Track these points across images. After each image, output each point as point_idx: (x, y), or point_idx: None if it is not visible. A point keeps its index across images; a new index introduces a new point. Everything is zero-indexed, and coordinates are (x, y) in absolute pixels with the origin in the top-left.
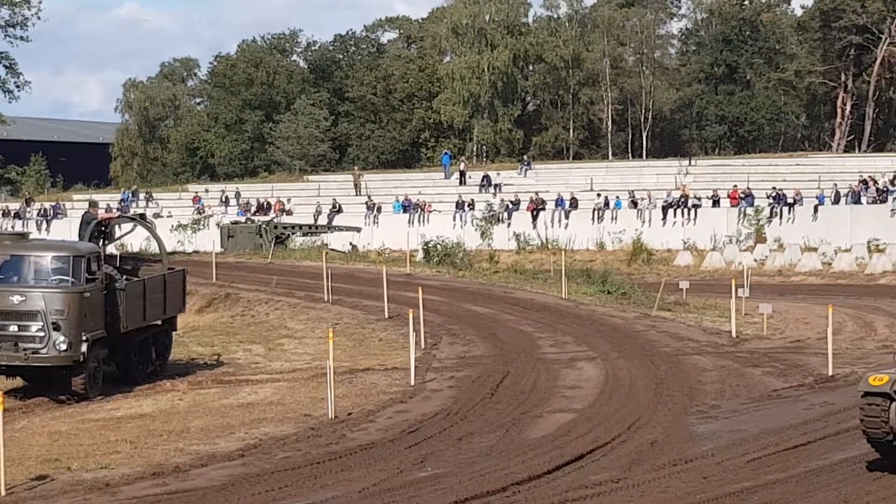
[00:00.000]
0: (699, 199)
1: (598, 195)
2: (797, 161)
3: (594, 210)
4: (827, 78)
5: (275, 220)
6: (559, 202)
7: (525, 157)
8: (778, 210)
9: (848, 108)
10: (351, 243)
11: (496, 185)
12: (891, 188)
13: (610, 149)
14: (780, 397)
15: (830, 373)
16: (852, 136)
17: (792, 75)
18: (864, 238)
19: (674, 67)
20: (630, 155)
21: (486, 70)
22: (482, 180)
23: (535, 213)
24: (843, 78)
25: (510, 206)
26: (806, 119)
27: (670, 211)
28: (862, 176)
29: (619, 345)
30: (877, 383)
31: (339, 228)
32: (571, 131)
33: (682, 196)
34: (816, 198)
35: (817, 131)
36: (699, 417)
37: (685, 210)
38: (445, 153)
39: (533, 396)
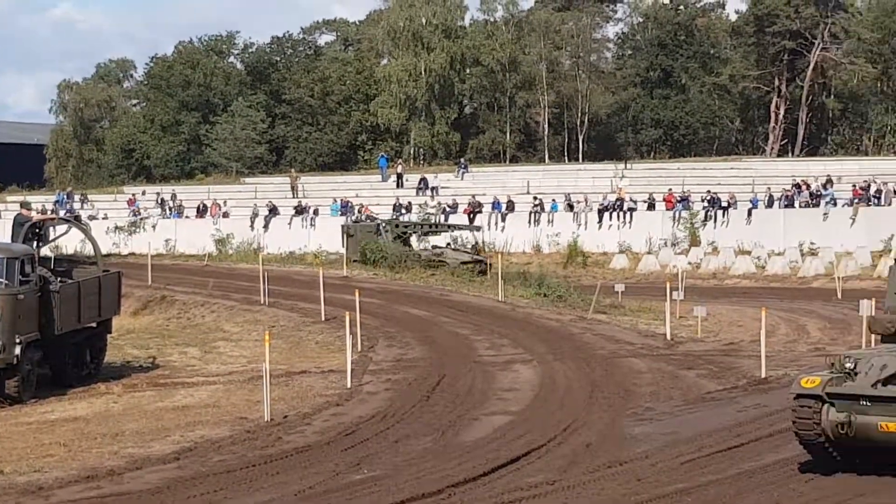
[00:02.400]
0: (635, 202)
1: (535, 198)
2: (731, 165)
3: (531, 213)
4: (761, 83)
5: (396, 220)
6: (496, 205)
7: (462, 159)
8: (712, 213)
9: (781, 112)
10: (476, 243)
11: (433, 188)
12: (823, 192)
13: (546, 152)
14: (713, 399)
15: (763, 375)
16: (786, 141)
17: (726, 80)
18: (797, 241)
19: (610, 71)
20: (566, 158)
21: (422, 73)
22: (419, 183)
23: (471, 215)
24: (776, 83)
25: (447, 208)
26: (740, 123)
27: (606, 214)
28: (795, 180)
29: (555, 347)
30: (809, 385)
31: (460, 227)
32: (508, 134)
33: (617, 199)
34: (750, 201)
35: (751, 135)
36: (634, 419)
37: (621, 213)
38: (382, 156)
39: (469, 399)
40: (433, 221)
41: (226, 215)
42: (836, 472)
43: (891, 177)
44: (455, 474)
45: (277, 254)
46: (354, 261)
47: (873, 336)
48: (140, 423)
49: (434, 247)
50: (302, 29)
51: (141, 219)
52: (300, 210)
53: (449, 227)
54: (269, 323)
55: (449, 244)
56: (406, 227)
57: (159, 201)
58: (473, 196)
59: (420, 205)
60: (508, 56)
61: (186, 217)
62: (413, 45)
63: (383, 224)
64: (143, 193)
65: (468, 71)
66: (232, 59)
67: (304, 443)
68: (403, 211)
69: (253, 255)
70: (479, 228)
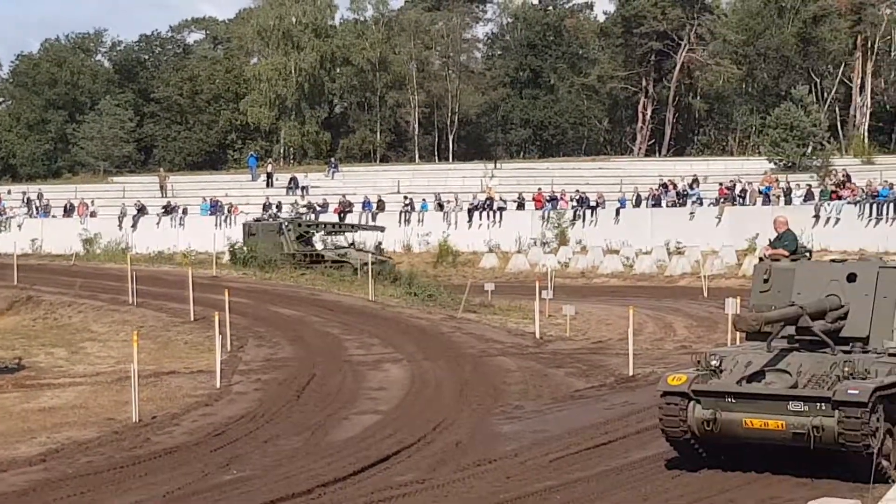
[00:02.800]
0: (504, 201)
1: (405, 198)
2: (600, 165)
3: (401, 212)
4: (628, 83)
5: (299, 219)
6: (366, 204)
7: (332, 159)
8: (581, 213)
9: (649, 113)
10: (379, 244)
11: (303, 188)
12: (690, 192)
13: (417, 151)
14: (582, 397)
15: (631, 373)
16: (653, 141)
17: (595, 80)
18: (664, 240)
19: (479, 71)
20: (437, 158)
21: (292, 72)
22: (289, 182)
23: (342, 215)
24: (644, 83)
25: (317, 208)
26: (608, 123)
27: (476, 213)
28: (662, 180)
29: (425, 346)
30: (675, 383)
31: (364, 227)
32: (378, 134)
33: (487, 199)
34: (618, 201)
35: (619, 136)
36: (503, 418)
37: (490, 213)
38: (252, 155)
39: (339, 398)
40: (336, 221)
41: (93, 215)
42: (702, 468)
43: (755, 177)
44: (324, 474)
45: (146, 254)
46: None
47: (738, 334)
48: (5, 424)
49: (337, 247)
50: (171, 27)
51: (6, 218)
52: (169, 209)
53: (352, 227)
54: (137, 323)
55: (352, 244)
56: (309, 226)
57: (25, 200)
58: (344, 196)
59: (291, 204)
60: (378, 55)
61: (53, 216)
62: (283, 44)
63: (286, 223)
64: (9, 192)
65: (338, 70)
66: (100, 57)
67: (172, 443)
68: (274, 209)
69: (121, 254)
70: (383, 229)
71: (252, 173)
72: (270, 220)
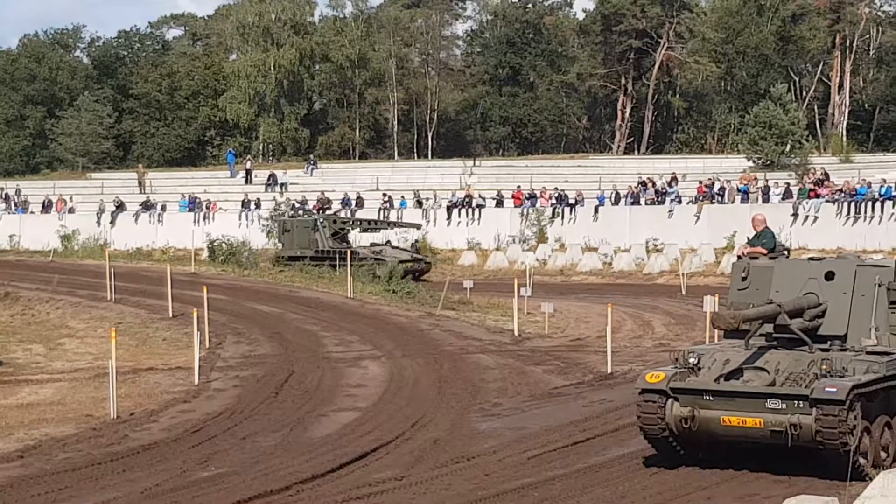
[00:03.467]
0: (483, 199)
1: (384, 195)
2: (579, 162)
3: (380, 210)
4: (608, 81)
5: (334, 215)
6: (345, 201)
7: (311, 156)
8: (560, 211)
9: (628, 110)
10: (416, 241)
11: (282, 185)
12: (668, 190)
13: (396, 149)
14: (560, 395)
15: (609, 370)
16: (632, 139)
17: (574, 78)
18: (642, 238)
19: (459, 69)
20: (416, 155)
21: (272, 69)
22: (268, 179)
23: (321, 211)
24: (623, 81)
25: (296, 205)
26: (587, 121)
27: (455, 211)
28: (641, 178)
29: (404, 343)
30: (653, 381)
31: (400, 224)
32: (357, 131)
33: (466, 196)
34: (597, 199)
35: (598, 133)
36: (482, 415)
37: (469, 210)
38: (230, 151)
39: (317, 395)
40: (374, 218)
41: (72, 211)
42: (680, 465)
43: (734, 175)
44: (303, 471)
45: (124, 250)
46: (290, 257)
47: (716, 331)
48: None
49: (372, 244)
50: (149, 23)
51: None
52: (147, 206)
53: (388, 224)
54: (115, 320)
55: (388, 242)
56: (344, 222)
57: (3, 196)
58: (322, 192)
59: (272, 200)
60: (358, 52)
61: (31, 212)
62: (262, 41)
63: (321, 219)
64: None
65: (317, 67)
66: (78, 52)
67: (150, 440)
68: (253, 206)
69: (99, 251)
70: (419, 227)
71: (231, 170)
72: (305, 216)
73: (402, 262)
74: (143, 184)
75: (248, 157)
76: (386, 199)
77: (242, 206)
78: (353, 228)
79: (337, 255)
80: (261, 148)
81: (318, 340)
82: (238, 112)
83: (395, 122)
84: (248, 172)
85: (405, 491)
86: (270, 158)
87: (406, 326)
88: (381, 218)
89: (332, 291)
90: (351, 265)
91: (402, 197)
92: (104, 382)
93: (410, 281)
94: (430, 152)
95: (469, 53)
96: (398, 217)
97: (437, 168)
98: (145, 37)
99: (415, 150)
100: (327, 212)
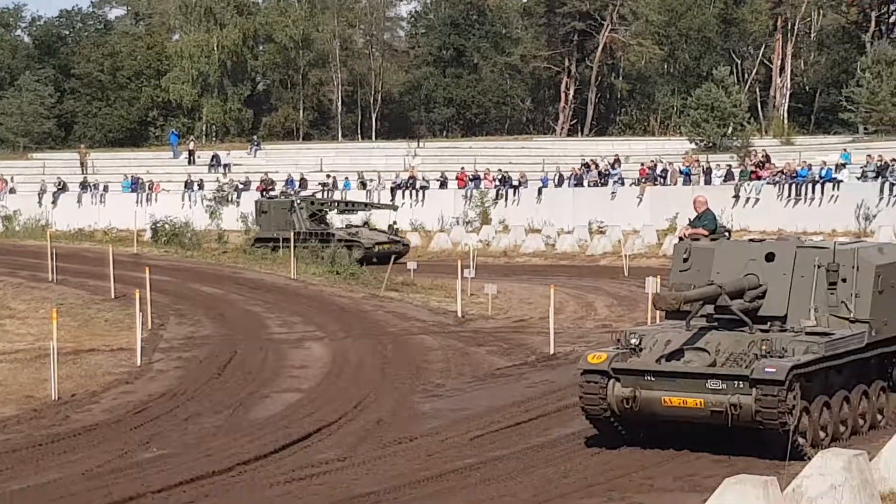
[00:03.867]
0: (427, 180)
1: (328, 176)
2: (522, 144)
3: (323, 191)
4: (551, 63)
5: (312, 196)
6: (289, 183)
7: (255, 137)
8: (503, 192)
9: (571, 92)
10: (394, 222)
11: (226, 165)
12: (611, 171)
13: (339, 130)
14: (503, 375)
15: (552, 351)
16: (575, 121)
17: (518, 60)
18: (585, 220)
19: (403, 50)
20: (360, 136)
21: (215, 49)
22: (211, 160)
23: (264, 193)
24: (566, 63)
25: (240, 186)
26: (531, 103)
27: (399, 192)
28: (584, 159)
29: (347, 325)
30: (595, 361)
31: (377, 206)
32: (301, 112)
33: (410, 178)
34: (541, 180)
35: (542, 115)
36: (425, 396)
37: (413, 191)
38: (173, 132)
39: (260, 376)
40: (349, 199)
41: (13, 191)
42: (622, 446)
43: (676, 157)
44: (245, 452)
45: (66, 231)
46: (263, 239)
47: (658, 313)
48: None
49: (348, 225)
50: (91, 2)
51: None
52: (89, 186)
53: (365, 205)
54: (57, 300)
55: (366, 223)
56: (322, 204)
57: None
58: (266, 173)
59: (215, 180)
60: (301, 33)
61: None
62: (205, 21)
63: (298, 201)
64: None
65: (261, 47)
66: (19, 32)
67: (92, 421)
68: (196, 187)
69: (41, 231)
70: (396, 208)
71: (174, 150)
72: (283, 197)
73: (378, 243)
74: (85, 164)
75: (191, 137)
76: (329, 180)
77: (185, 186)
78: (330, 210)
79: (314, 237)
80: (204, 129)
81: (262, 322)
82: (181, 92)
83: (339, 104)
84: (191, 153)
85: (348, 471)
86: (213, 139)
87: (349, 308)
88: (365, 200)
89: (275, 273)
90: (325, 247)
91: (346, 178)
92: (45, 364)
93: (354, 262)
94: (374, 133)
95: (413, 35)
96: (342, 197)
97: (381, 149)
98: (87, 16)
99: (359, 132)
100: (303, 193)
